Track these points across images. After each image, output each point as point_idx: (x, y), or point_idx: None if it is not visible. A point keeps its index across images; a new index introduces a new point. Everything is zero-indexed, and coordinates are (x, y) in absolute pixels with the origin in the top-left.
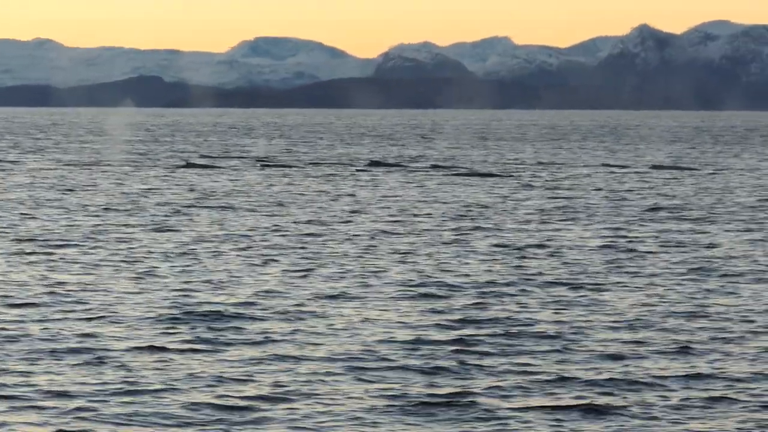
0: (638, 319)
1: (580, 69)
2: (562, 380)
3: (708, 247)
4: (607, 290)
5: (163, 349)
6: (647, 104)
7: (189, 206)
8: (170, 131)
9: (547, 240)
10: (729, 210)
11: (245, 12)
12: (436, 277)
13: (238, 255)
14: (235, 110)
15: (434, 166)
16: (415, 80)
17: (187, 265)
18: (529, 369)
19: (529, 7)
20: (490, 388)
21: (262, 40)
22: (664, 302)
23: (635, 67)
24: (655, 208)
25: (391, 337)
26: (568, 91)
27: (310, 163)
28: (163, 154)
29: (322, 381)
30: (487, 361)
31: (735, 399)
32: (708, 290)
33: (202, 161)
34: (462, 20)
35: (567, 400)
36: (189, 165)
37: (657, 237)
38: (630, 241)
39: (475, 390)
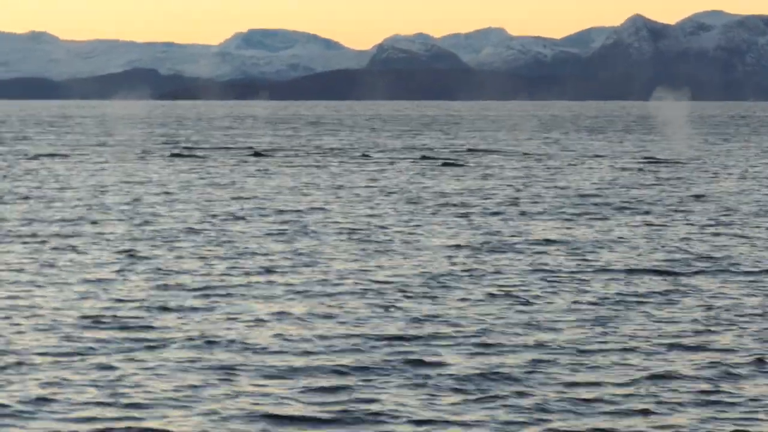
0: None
1: (574, 60)
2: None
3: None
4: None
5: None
6: (642, 95)
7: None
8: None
9: (508, 233)
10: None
11: (238, 3)
12: (389, 275)
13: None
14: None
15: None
16: (409, 71)
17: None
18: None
19: None
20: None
21: (255, 32)
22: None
23: (629, 57)
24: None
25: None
26: (562, 81)
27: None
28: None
29: (230, 381)
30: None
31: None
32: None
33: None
34: (456, 11)
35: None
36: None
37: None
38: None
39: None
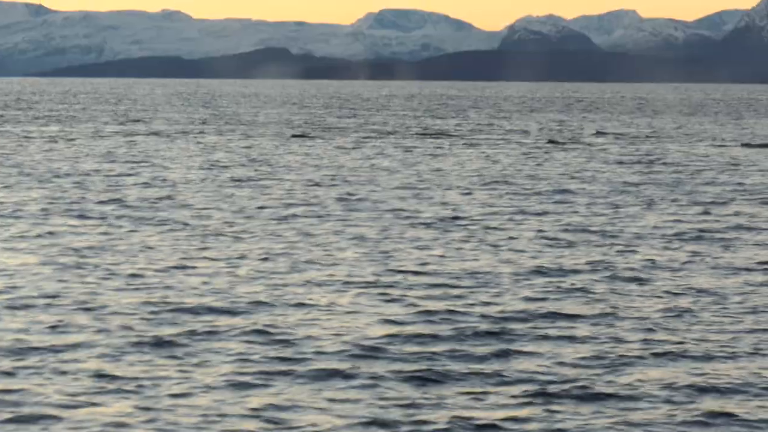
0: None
1: (706, 42)
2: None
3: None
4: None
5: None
6: None
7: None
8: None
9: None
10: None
11: None
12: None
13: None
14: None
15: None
16: (540, 53)
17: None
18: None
19: None
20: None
21: (387, 12)
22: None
23: (762, 40)
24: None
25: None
26: (694, 64)
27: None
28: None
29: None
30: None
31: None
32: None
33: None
34: None
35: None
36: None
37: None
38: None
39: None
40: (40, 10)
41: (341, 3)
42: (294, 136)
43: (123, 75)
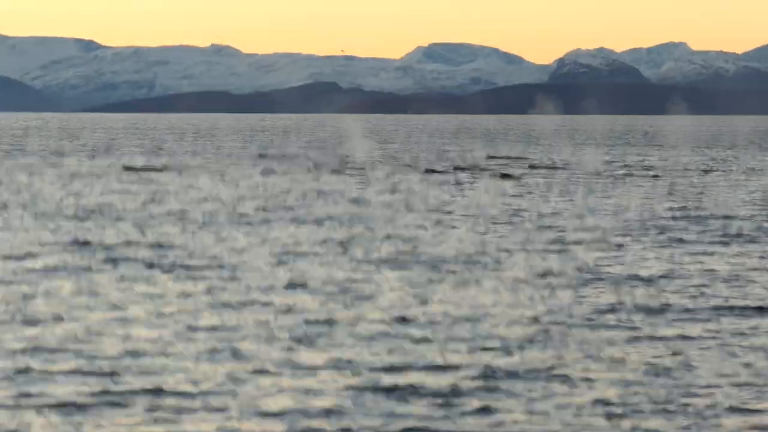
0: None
1: (756, 74)
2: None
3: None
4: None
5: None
6: None
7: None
8: None
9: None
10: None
11: (419, 18)
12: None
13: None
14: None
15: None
16: (590, 86)
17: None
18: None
19: (707, 10)
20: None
21: (437, 46)
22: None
23: None
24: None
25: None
26: (744, 96)
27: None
28: None
29: None
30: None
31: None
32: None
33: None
34: (638, 25)
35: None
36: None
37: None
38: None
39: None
40: (90, 45)
41: (390, 37)
42: (332, 171)
43: (173, 110)
